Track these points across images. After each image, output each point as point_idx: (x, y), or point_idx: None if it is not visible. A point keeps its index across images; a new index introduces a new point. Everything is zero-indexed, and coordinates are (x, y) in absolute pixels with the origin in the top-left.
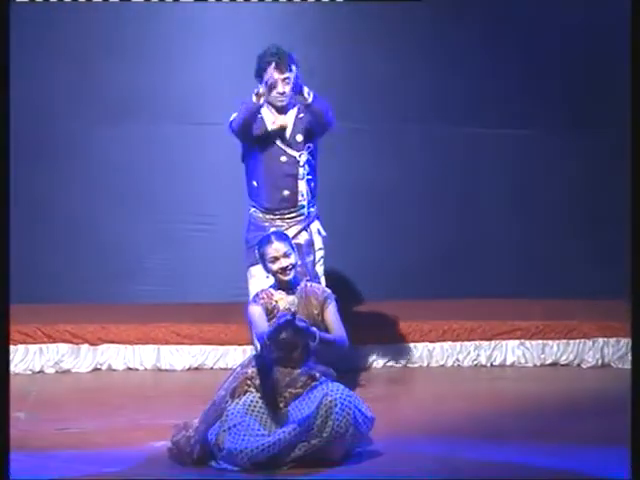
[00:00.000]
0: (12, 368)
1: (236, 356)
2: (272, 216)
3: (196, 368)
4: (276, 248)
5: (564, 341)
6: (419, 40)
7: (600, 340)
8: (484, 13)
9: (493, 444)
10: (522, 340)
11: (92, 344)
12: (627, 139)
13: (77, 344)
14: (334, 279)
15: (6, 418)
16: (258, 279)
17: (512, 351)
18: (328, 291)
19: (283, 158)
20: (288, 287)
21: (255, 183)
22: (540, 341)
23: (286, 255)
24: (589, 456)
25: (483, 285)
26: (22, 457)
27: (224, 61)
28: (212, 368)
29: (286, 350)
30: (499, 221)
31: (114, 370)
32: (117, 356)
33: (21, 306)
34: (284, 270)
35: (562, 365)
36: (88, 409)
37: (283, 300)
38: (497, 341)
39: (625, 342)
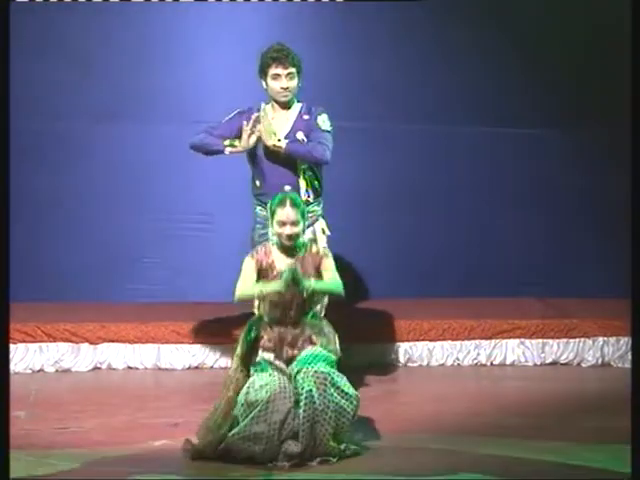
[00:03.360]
0: (12, 367)
1: None
2: None
3: (196, 367)
4: (287, 213)
5: (564, 340)
6: (419, 40)
7: (600, 339)
8: (484, 13)
9: (494, 442)
10: (522, 339)
11: (92, 343)
12: (628, 139)
13: (77, 343)
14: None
15: (6, 417)
16: None
17: (512, 350)
18: (326, 249)
19: (283, 154)
20: (289, 252)
21: (257, 181)
22: (540, 340)
23: (294, 223)
24: (589, 455)
25: (483, 284)
26: (22, 456)
27: (223, 60)
28: (212, 367)
29: (281, 309)
30: (499, 220)
31: (114, 369)
32: (117, 355)
33: (21, 305)
34: (288, 237)
35: (562, 364)
36: (88, 408)
37: (281, 261)
38: (497, 340)
39: (625, 341)
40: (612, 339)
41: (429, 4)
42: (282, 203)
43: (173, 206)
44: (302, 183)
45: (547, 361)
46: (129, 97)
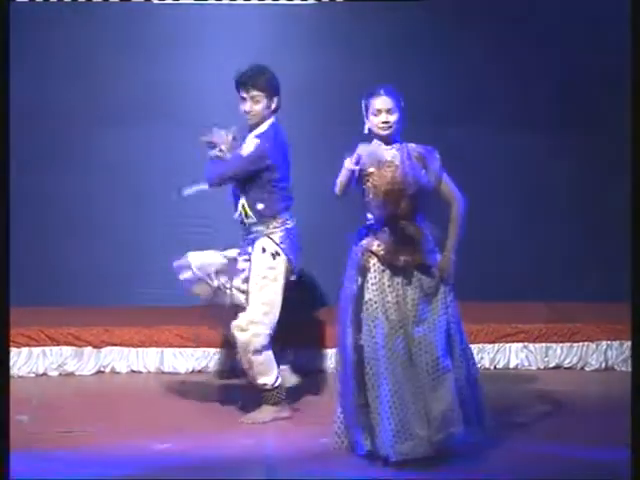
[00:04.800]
0: (15, 371)
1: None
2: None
3: (199, 371)
4: (383, 101)
5: (567, 344)
6: (418, 40)
7: (604, 343)
8: (485, 14)
9: (496, 446)
10: (525, 343)
11: (95, 347)
12: (628, 141)
13: (80, 347)
14: (338, 282)
15: (6, 420)
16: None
17: (515, 354)
18: (429, 147)
19: None
20: (386, 142)
21: None
22: (543, 344)
23: (390, 111)
24: (592, 458)
25: (486, 288)
26: (25, 459)
27: (224, 62)
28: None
29: (393, 200)
30: (502, 224)
31: (117, 373)
32: (120, 359)
33: (24, 308)
34: (385, 124)
35: (566, 368)
36: (91, 412)
37: (384, 152)
38: (500, 344)
39: (628, 345)
40: (615, 343)
41: (430, 4)
42: (376, 93)
43: (176, 209)
44: (243, 203)
45: (550, 365)
46: (131, 99)
